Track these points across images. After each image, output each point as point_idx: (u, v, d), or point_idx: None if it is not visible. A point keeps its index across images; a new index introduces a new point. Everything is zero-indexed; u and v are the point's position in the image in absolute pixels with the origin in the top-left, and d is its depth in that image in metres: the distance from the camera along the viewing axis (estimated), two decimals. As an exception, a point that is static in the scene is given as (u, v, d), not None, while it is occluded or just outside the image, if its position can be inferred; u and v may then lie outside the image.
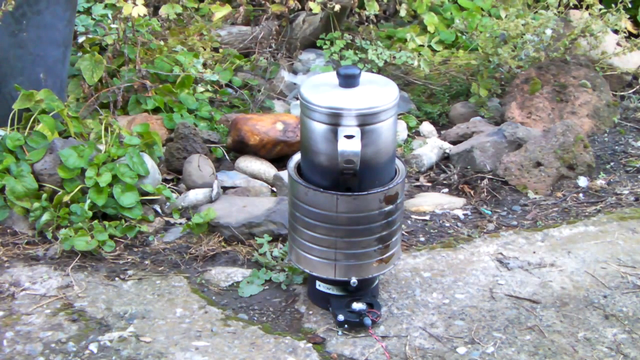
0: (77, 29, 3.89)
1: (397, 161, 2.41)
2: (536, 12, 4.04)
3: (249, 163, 3.34)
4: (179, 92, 3.71)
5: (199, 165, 3.19)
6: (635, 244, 2.89)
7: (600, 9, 3.89)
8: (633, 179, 3.39)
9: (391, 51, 4.20)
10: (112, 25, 3.87)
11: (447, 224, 3.05)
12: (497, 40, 3.97)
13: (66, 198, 2.87)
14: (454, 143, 3.65)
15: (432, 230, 3.00)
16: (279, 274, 2.66)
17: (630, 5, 3.99)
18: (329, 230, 2.31)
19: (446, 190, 3.35)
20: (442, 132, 3.83)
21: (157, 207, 3.07)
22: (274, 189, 3.24)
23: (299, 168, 2.40)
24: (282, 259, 2.73)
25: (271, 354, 2.29)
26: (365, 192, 2.27)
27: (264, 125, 3.37)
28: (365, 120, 2.20)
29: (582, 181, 3.35)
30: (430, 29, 4.68)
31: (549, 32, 3.94)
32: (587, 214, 3.11)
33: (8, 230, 2.89)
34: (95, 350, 2.28)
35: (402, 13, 4.54)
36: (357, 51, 4.14)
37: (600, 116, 3.82)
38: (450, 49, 4.66)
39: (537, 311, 2.50)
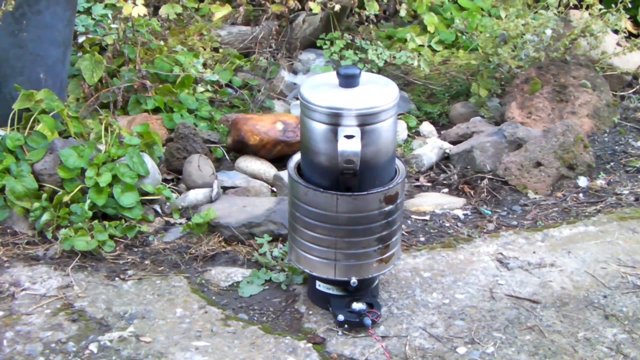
0: (77, 29, 3.89)
1: (397, 161, 2.41)
2: (536, 12, 4.04)
3: (249, 163, 3.34)
4: (179, 92, 3.71)
5: (199, 165, 3.19)
6: (635, 244, 2.89)
7: (600, 9, 3.89)
8: (633, 179, 3.39)
9: (391, 51, 4.20)
10: (112, 25, 3.87)
11: (447, 224, 3.05)
12: (497, 40, 3.97)
13: (66, 198, 2.87)
14: (454, 143, 3.65)
15: (432, 230, 3.00)
16: (279, 274, 2.66)
17: (630, 5, 3.98)
18: (329, 230, 2.31)
19: (446, 190, 3.35)
20: (442, 132, 3.83)
21: (157, 207, 3.07)
22: (274, 189, 3.24)
23: (299, 168, 2.39)
24: (282, 259, 2.73)
25: (271, 354, 2.29)
26: (365, 192, 2.27)
27: (264, 125, 3.37)
28: (365, 120, 2.20)
29: (582, 181, 3.34)
30: (430, 29, 4.67)
31: (549, 32, 3.94)
32: (587, 214, 3.11)
33: (8, 230, 2.89)
34: (95, 350, 2.28)
35: (402, 13, 4.54)
36: (357, 51, 4.14)
37: (600, 116, 3.82)
38: (450, 49, 4.66)
39: (537, 311, 2.50)
